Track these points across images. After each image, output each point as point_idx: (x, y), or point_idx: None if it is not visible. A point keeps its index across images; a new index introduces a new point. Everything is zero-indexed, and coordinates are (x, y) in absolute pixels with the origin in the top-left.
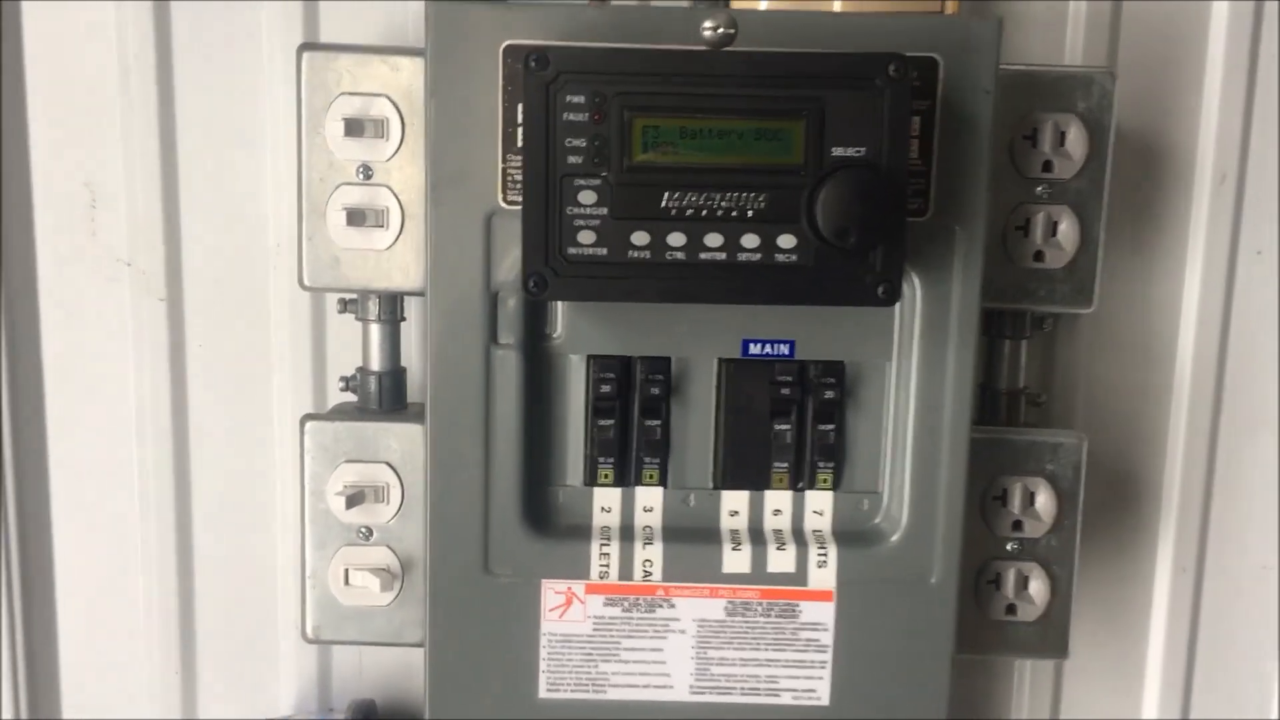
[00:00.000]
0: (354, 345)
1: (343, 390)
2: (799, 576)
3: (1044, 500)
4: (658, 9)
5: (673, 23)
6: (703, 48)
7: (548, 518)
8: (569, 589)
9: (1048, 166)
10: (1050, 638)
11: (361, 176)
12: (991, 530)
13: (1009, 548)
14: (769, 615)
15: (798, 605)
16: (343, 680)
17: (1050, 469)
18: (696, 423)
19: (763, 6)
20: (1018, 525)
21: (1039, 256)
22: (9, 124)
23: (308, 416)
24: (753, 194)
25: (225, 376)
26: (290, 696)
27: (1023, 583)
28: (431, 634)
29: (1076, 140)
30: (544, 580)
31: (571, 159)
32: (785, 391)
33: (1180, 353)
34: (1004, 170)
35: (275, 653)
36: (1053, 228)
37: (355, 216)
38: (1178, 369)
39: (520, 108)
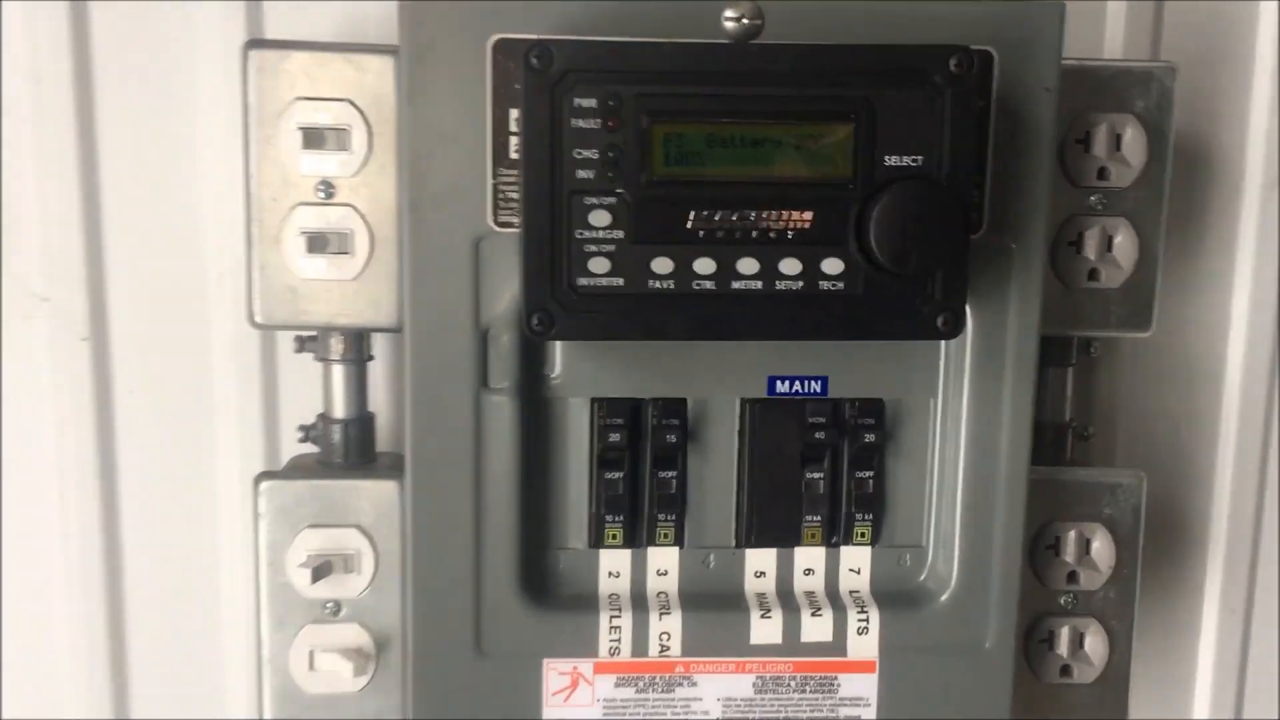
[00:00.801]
0: (311, 389)
1: (301, 441)
2: (836, 646)
3: (1101, 548)
4: None
5: (689, 12)
6: (729, 41)
7: (548, 586)
8: (575, 669)
9: (1102, 174)
10: (1108, 700)
11: (322, 195)
12: (1043, 583)
13: (1062, 602)
14: (804, 690)
15: (836, 678)
16: None
17: (1108, 512)
18: (716, 473)
19: None
20: (1072, 576)
21: (1093, 275)
22: None
23: (263, 475)
24: (793, 211)
25: (160, 427)
26: None
27: (1078, 640)
28: None
29: (1134, 144)
30: (545, 659)
31: (581, 173)
32: (819, 435)
33: (1228, 377)
34: (1054, 178)
35: None
36: (1108, 242)
37: (315, 242)
38: (1225, 395)
39: (516, 113)
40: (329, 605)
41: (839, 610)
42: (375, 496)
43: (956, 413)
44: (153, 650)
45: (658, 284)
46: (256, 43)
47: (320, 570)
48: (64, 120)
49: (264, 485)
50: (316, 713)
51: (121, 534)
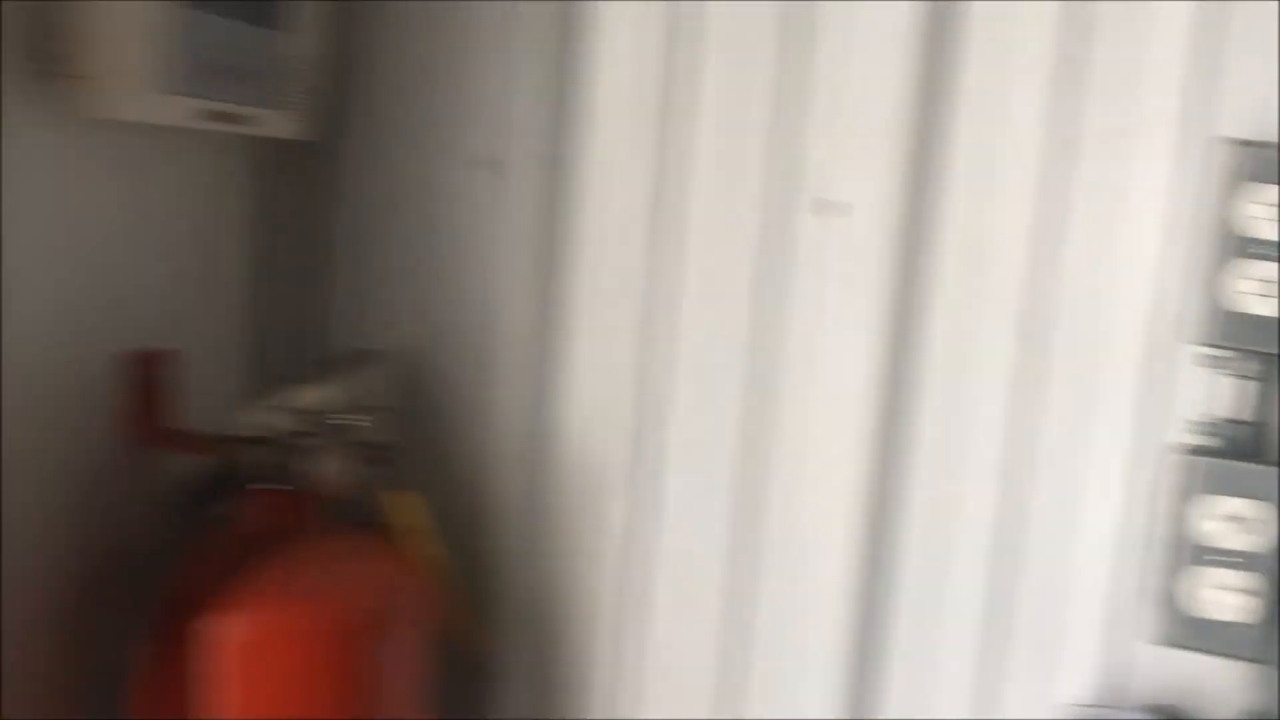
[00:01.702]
0: (1181, 392)
1: (1197, 434)
2: None
3: None
4: None
5: None
6: None
7: None
8: None
9: None
10: None
11: (1268, 252)
12: None
13: None
14: None
15: None
16: (1140, 681)
17: None
18: None
19: None
20: None
21: None
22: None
23: (1186, 449)
24: None
25: (1079, 409)
26: (1087, 689)
27: None
28: None
29: None
30: None
31: None
32: None
33: None
34: None
35: (1079, 646)
36: None
37: (1261, 286)
38: None
39: None
40: (1229, 555)
41: None
42: (1271, 481)
43: None
44: (1041, 557)
45: None
46: (1222, 140)
47: (1224, 524)
48: (1057, 169)
49: (1186, 460)
50: (1197, 631)
51: (1033, 484)
